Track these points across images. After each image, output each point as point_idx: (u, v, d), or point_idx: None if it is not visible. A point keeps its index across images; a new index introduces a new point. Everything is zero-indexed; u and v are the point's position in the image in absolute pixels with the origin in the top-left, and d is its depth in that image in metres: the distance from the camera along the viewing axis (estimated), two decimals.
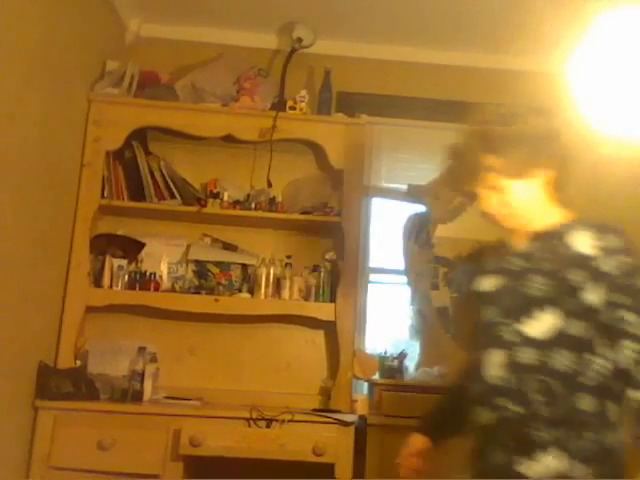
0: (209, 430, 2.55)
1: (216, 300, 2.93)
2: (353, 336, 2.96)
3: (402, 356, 3.04)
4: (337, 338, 2.93)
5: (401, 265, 3.20)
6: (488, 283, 1.57)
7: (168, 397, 2.84)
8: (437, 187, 3.21)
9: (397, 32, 3.26)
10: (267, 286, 3.00)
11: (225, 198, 3.02)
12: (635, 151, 3.02)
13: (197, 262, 3.09)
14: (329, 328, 3.00)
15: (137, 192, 2.98)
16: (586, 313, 1.43)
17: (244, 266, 3.10)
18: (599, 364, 1.42)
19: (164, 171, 3.02)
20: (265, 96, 3.08)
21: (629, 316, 1.40)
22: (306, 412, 2.72)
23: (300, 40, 3.16)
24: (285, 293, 3.00)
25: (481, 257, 3.39)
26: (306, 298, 3.01)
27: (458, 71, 3.36)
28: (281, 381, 3.06)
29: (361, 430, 2.72)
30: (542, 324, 1.43)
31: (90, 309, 2.85)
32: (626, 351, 1.40)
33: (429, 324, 3.11)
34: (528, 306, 1.45)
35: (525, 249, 1.55)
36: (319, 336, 3.11)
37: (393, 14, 3.11)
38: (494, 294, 1.55)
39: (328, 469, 2.57)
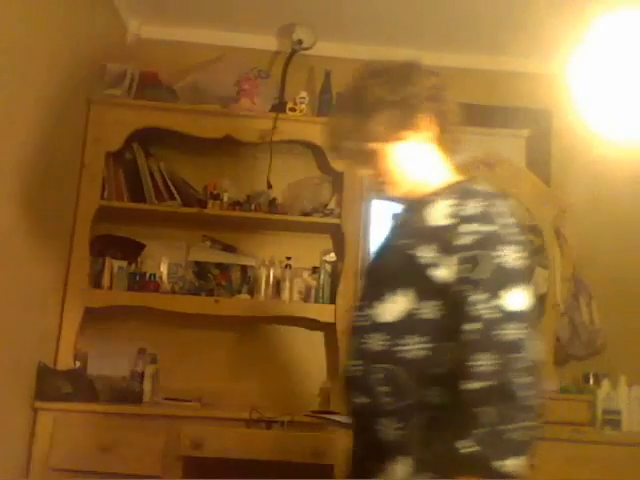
0: (209, 431, 2.55)
1: (216, 301, 2.92)
2: None
3: None
4: (337, 339, 2.93)
5: None
6: (369, 263, 1.43)
7: (168, 398, 2.84)
8: None
9: (397, 34, 3.26)
10: (267, 287, 3.00)
11: (225, 199, 3.02)
12: (636, 152, 3.02)
13: (197, 263, 3.09)
14: (329, 329, 2.99)
15: (137, 193, 2.98)
16: (438, 293, 1.23)
17: (244, 267, 3.09)
18: (453, 352, 1.21)
19: (164, 172, 3.02)
20: (265, 97, 3.08)
21: (474, 294, 1.19)
22: (306, 414, 2.71)
23: (300, 42, 3.16)
24: (285, 294, 3.00)
25: None
26: (306, 299, 3.01)
27: (458, 73, 3.35)
28: (281, 382, 3.05)
29: None
30: (393, 307, 1.26)
31: (90, 310, 2.85)
32: (464, 335, 1.19)
33: None
34: (381, 287, 1.29)
35: (394, 222, 1.41)
36: (319, 337, 3.10)
37: (393, 16, 3.11)
38: (365, 274, 1.42)
39: (327, 470, 2.56)
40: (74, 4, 2.65)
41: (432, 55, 3.34)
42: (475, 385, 1.15)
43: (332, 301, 2.95)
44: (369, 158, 1.38)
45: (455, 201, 1.27)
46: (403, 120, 1.35)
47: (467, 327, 1.18)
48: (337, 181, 3.10)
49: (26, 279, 2.44)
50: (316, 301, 2.99)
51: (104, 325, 2.97)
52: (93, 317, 2.90)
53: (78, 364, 2.80)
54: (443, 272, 1.23)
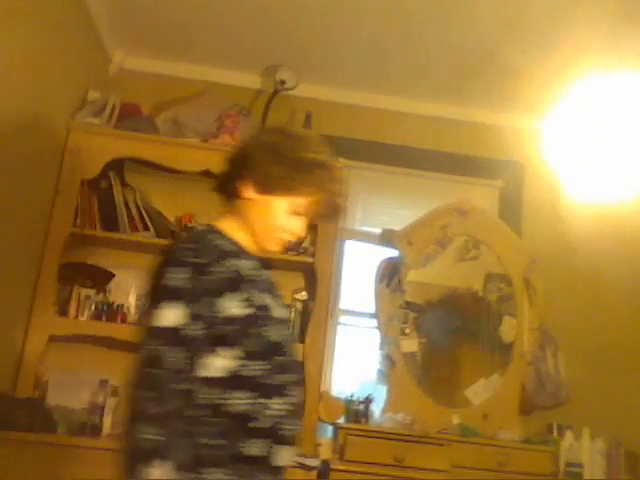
0: None
1: None
2: (320, 378, 2.93)
3: (368, 400, 3.01)
4: (304, 379, 2.90)
5: (371, 308, 3.20)
6: (272, 302, 1.55)
7: None
8: (411, 233, 3.25)
9: (376, 81, 3.33)
10: None
11: None
12: (601, 209, 3.10)
13: None
14: None
15: (110, 222, 2.95)
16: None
17: None
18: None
19: (139, 202, 3.00)
20: (245, 135, 3.10)
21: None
22: None
23: (283, 82, 3.21)
24: None
25: (451, 303, 3.40)
26: None
27: (433, 121, 3.44)
28: None
29: (324, 475, 2.67)
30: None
31: (53, 338, 2.79)
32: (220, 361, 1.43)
33: (397, 369, 3.10)
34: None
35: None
36: None
37: (374, 63, 3.19)
38: (281, 318, 1.57)
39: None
40: (59, 31, 2.67)
41: (408, 103, 3.43)
42: (139, 393, 1.40)
43: (301, 340, 2.94)
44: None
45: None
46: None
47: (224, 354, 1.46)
48: None
49: None
50: None
51: (67, 354, 2.90)
52: (56, 345, 2.84)
53: (37, 393, 2.73)
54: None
